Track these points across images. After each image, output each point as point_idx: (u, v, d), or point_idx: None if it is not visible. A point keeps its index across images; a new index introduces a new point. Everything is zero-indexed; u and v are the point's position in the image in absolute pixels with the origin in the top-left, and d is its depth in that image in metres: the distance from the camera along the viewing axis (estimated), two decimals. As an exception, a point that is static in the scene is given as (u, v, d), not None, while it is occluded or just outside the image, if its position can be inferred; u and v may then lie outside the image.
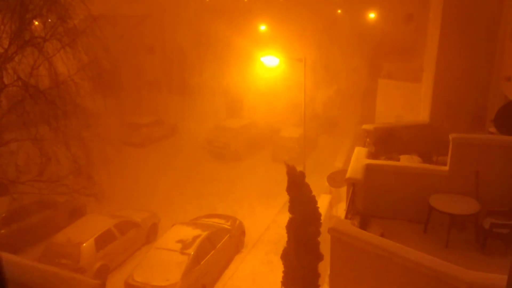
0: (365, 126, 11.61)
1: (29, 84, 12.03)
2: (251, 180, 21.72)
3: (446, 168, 7.68)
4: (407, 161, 9.60)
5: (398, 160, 9.86)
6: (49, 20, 12.60)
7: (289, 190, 8.16)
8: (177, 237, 13.56)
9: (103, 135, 14.77)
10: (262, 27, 37.48)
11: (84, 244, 13.36)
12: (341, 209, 14.93)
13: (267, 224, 17.00)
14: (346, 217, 6.91)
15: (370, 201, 7.74)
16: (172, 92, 33.24)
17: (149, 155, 25.32)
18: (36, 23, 12.81)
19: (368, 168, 7.76)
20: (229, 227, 15.29)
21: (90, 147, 13.32)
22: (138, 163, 23.66)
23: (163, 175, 22.14)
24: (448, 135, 7.80)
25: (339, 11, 39.59)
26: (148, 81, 34.24)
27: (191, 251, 12.93)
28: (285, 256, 8.77)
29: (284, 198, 10.54)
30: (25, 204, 14.41)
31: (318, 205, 9.14)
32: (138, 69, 32.10)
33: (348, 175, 7.64)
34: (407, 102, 15.17)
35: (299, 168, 9.32)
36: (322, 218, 8.22)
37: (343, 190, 12.74)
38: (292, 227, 7.84)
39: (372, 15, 35.06)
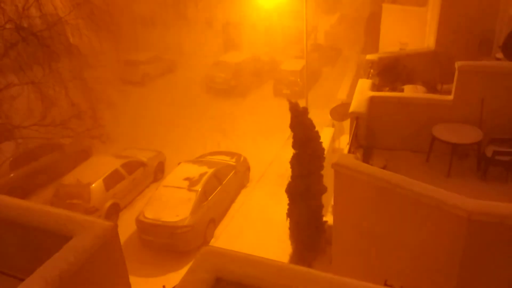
0: (368, 56, 11.29)
1: (20, 26, 11.62)
2: (254, 116, 21.70)
3: (451, 97, 7.58)
4: (411, 91, 9.47)
5: (402, 90, 9.73)
6: None
7: (292, 127, 8.17)
8: (184, 175, 13.88)
9: (103, 75, 14.55)
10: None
11: (94, 185, 13.71)
12: (344, 142, 15.06)
13: (271, 159, 17.29)
14: (349, 151, 6.96)
15: (374, 134, 7.75)
16: (168, 26, 32.04)
17: (150, 93, 25.07)
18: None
19: (372, 101, 7.67)
20: (234, 163, 15.57)
21: (90, 88, 13.18)
22: (139, 102, 23.49)
23: (164, 113, 22.10)
24: (454, 62, 7.59)
25: None
26: (142, 15, 32.89)
27: (199, 187, 13.30)
28: (290, 190, 9.02)
29: (287, 132, 10.60)
30: (31, 147, 14.59)
31: (321, 139, 9.22)
32: (131, 2, 30.66)
33: (351, 109, 7.58)
34: (413, 28, 14.55)
35: (301, 102, 9.23)
36: (325, 152, 8.31)
37: (346, 122, 12.74)
38: (296, 163, 7.96)
39: None
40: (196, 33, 29.80)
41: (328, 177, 7.83)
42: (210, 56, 26.89)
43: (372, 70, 10.80)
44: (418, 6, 14.79)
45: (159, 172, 16.54)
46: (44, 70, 12.26)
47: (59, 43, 12.59)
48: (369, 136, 7.59)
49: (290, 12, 26.76)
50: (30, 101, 12.21)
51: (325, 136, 13.62)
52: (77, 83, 12.63)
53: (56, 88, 12.41)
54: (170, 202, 12.96)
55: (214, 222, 13.81)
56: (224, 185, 14.41)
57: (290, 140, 9.03)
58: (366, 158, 7.18)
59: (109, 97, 14.35)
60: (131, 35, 29.56)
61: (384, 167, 6.73)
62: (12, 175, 14.80)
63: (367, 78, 10.37)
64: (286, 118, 9.58)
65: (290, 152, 9.08)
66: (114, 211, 14.21)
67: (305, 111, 8.33)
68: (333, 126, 15.62)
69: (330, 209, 9.94)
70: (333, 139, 15.64)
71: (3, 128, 12.19)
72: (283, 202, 10.08)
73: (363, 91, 8.36)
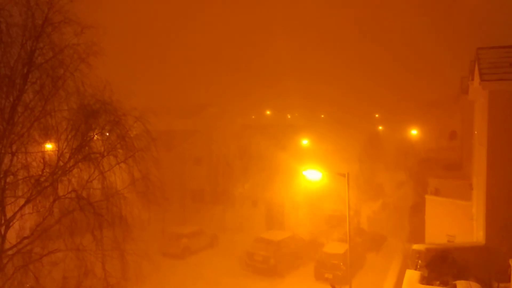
0: (415, 246, 11.02)
1: (81, 196, 12.53)
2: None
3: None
4: (465, 289, 8.68)
5: (454, 286, 8.99)
6: (107, 134, 13.50)
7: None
8: None
9: (143, 246, 14.70)
10: (304, 141, 38.78)
11: None
12: None
13: None
14: None
15: None
16: (215, 201, 33.69)
17: (187, 268, 24.61)
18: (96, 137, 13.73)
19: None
20: None
21: (128, 260, 13.15)
22: (175, 276, 22.91)
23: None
24: (507, 259, 7.09)
25: (380, 127, 40.90)
26: (192, 190, 35.16)
27: None
28: None
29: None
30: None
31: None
32: (184, 178, 33.25)
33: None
34: (458, 221, 14.28)
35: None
36: None
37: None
38: None
39: (414, 132, 35.63)
40: (241, 209, 30.81)
41: None
42: (252, 233, 27.02)
43: (420, 261, 10.39)
44: (462, 199, 14.82)
45: None
46: (95, 238, 12.58)
47: (112, 214, 13.21)
48: None
49: (332, 195, 27.52)
50: (67, 269, 12.18)
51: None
52: (116, 253, 12.69)
53: (97, 256, 12.48)
54: None
55: None
56: None
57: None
58: None
59: (144, 271, 14.15)
60: (179, 208, 31.06)
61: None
62: None
63: (415, 269, 9.93)
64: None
65: None
66: None
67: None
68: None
69: None
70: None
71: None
72: None
73: (411, 284, 7.80)
